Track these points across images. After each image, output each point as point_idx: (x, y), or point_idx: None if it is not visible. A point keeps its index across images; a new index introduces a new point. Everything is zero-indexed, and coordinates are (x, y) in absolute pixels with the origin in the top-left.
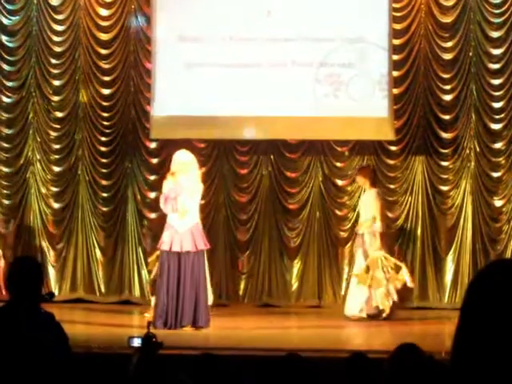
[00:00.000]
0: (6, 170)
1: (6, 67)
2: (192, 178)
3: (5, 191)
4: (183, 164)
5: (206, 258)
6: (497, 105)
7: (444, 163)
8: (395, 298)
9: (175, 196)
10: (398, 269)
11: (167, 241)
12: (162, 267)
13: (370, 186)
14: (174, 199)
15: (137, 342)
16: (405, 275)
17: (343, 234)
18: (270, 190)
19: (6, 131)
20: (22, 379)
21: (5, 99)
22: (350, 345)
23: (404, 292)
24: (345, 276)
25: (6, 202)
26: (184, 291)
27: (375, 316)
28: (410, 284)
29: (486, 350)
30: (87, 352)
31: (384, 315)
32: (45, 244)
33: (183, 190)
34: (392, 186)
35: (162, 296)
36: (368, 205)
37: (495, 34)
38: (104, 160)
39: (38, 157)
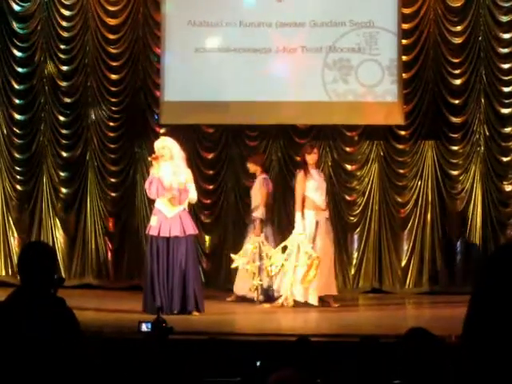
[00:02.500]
0: (18, 156)
1: (17, 53)
2: (177, 162)
3: (18, 177)
4: (165, 149)
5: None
6: (506, 89)
7: (453, 148)
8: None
9: (161, 181)
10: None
11: (155, 226)
12: (151, 253)
13: (260, 172)
14: (160, 184)
15: (147, 328)
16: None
17: (352, 219)
18: (280, 175)
19: (19, 117)
20: (32, 366)
21: (16, 86)
22: (361, 329)
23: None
24: (354, 261)
25: (20, 187)
26: (173, 277)
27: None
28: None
29: (496, 333)
30: (98, 337)
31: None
32: (55, 229)
33: (169, 175)
34: (401, 171)
35: (155, 282)
36: (257, 192)
37: (504, 19)
38: (113, 145)
39: (49, 142)
